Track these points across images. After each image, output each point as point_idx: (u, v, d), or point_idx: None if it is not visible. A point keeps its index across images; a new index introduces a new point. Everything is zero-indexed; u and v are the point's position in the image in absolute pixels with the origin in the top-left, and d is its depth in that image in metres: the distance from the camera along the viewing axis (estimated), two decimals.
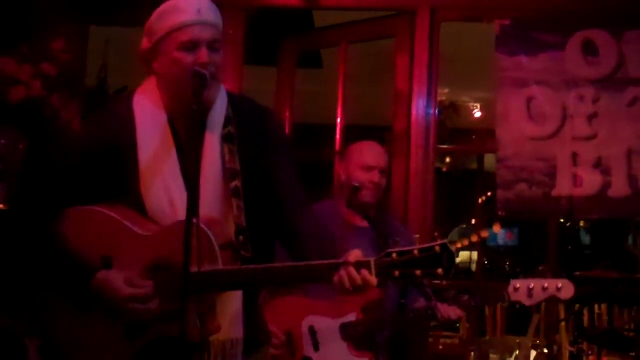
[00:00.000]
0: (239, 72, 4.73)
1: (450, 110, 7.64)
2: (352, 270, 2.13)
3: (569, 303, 5.88)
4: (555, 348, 5.25)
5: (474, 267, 8.73)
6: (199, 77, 2.21)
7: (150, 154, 2.29)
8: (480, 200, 8.23)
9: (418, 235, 2.64)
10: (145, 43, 2.32)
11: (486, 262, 8.84)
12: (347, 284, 2.14)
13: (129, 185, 2.27)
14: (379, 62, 5.21)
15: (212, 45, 2.26)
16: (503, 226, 9.09)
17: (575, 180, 4.44)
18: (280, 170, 2.42)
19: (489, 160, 7.80)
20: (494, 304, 3.61)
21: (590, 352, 5.18)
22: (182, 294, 2.02)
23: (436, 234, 2.41)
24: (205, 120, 2.27)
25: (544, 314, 5.70)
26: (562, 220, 6.83)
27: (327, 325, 3.41)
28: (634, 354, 4.40)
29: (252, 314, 2.36)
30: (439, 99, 5.25)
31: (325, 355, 3.40)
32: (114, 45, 5.33)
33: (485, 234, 7.71)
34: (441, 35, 4.72)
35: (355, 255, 2.16)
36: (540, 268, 6.28)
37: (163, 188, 2.27)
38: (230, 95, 2.43)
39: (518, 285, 3.35)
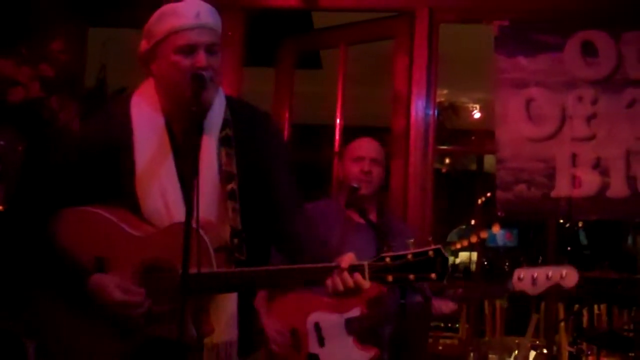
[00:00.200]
0: (238, 73, 4.74)
1: (450, 111, 7.64)
2: (346, 274, 2.14)
3: (569, 303, 5.89)
4: (555, 348, 5.25)
5: (473, 267, 8.74)
6: (198, 79, 2.21)
7: (146, 156, 2.30)
8: (479, 201, 8.25)
9: (412, 240, 2.66)
10: (143, 45, 2.33)
11: (485, 263, 8.85)
12: (340, 287, 2.15)
13: (125, 187, 2.28)
14: (377, 63, 5.22)
15: (210, 49, 2.26)
16: (502, 227, 9.11)
17: (574, 181, 4.44)
18: (277, 174, 2.44)
19: (488, 161, 7.83)
20: (496, 296, 3.60)
21: (589, 353, 5.19)
22: (180, 296, 2.03)
23: (430, 239, 2.43)
24: (203, 123, 2.27)
25: (543, 314, 5.70)
26: (561, 221, 6.84)
27: (332, 321, 3.42)
28: (633, 354, 4.40)
29: (247, 317, 2.37)
30: (438, 99, 5.25)
31: (331, 351, 3.41)
32: (112, 47, 5.32)
33: (484, 234, 7.73)
34: (440, 36, 4.72)
35: (348, 258, 2.17)
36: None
37: (159, 190, 2.28)
38: (228, 99, 2.44)
39: (522, 275, 3.35)
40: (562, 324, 5.53)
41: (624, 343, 4.67)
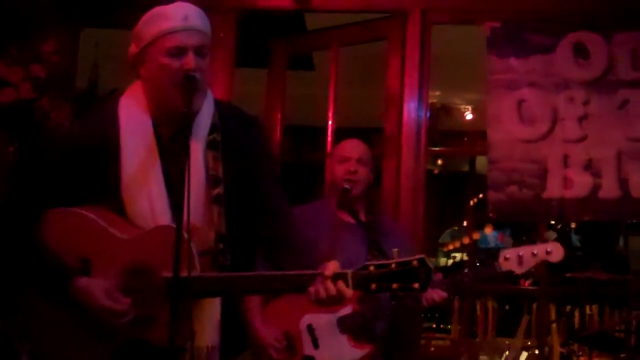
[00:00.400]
0: (230, 74, 4.74)
1: (442, 113, 7.65)
2: (329, 282, 2.14)
3: (560, 304, 5.90)
4: (547, 349, 5.26)
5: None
6: (190, 80, 2.21)
7: (133, 158, 2.29)
8: (471, 202, 8.26)
9: (396, 250, 2.70)
10: (132, 48, 2.32)
11: (477, 264, 8.85)
12: (323, 295, 2.15)
13: (111, 189, 2.27)
14: (370, 64, 5.22)
15: (199, 51, 2.26)
16: (494, 228, 9.12)
17: (566, 182, 4.45)
18: (263, 180, 2.44)
19: (481, 162, 7.83)
20: (485, 278, 3.61)
21: (580, 353, 5.20)
22: (163, 299, 2.04)
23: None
24: (191, 126, 2.26)
25: (534, 315, 5.71)
26: (553, 222, 6.85)
27: (325, 321, 3.42)
28: (624, 355, 4.41)
29: (231, 321, 2.36)
30: (430, 101, 5.25)
31: (325, 352, 3.41)
32: (104, 48, 5.31)
33: (476, 235, 7.74)
34: (432, 37, 4.73)
35: (332, 266, 2.17)
36: (533, 269, 6.28)
37: (144, 193, 2.27)
38: (217, 102, 2.43)
39: (507, 255, 3.37)
40: (554, 324, 5.54)
41: (615, 344, 4.68)
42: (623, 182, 4.41)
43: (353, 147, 3.74)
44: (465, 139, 7.72)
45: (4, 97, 4.58)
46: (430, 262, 2.13)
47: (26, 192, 2.35)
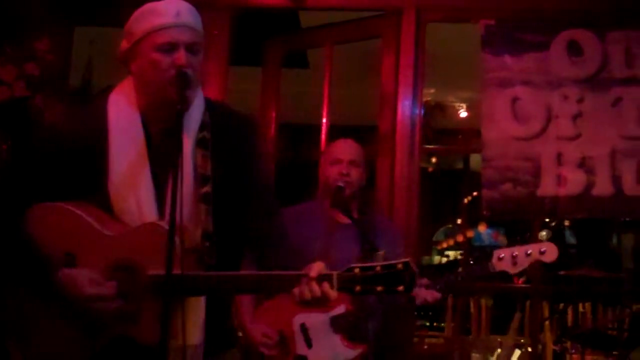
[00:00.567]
0: (224, 73, 4.73)
1: (436, 111, 7.65)
2: (314, 283, 2.14)
3: (554, 302, 5.91)
4: (540, 347, 5.28)
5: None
6: (182, 76, 2.21)
7: (121, 155, 2.29)
8: (465, 200, 8.26)
9: (382, 252, 2.71)
10: (124, 44, 2.33)
11: (472, 262, 8.86)
12: (307, 296, 2.15)
13: (98, 184, 2.27)
14: (364, 62, 5.22)
15: (190, 48, 2.26)
16: (489, 226, 9.14)
17: (560, 179, 4.46)
18: (252, 179, 2.44)
19: (475, 160, 7.84)
20: (478, 278, 3.62)
21: (573, 351, 5.21)
22: (159, 297, 2.04)
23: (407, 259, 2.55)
24: (182, 123, 2.24)
25: (528, 312, 5.73)
26: (547, 220, 6.87)
27: (318, 321, 3.42)
28: (616, 352, 4.42)
29: (216, 319, 2.35)
30: (424, 99, 5.26)
31: (318, 351, 3.40)
32: (99, 46, 5.31)
33: (470, 233, 7.74)
34: (427, 35, 4.73)
35: (318, 267, 2.17)
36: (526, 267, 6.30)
37: (132, 190, 2.27)
38: (207, 101, 2.43)
39: (502, 255, 3.38)
40: (547, 322, 5.56)
41: (607, 341, 4.69)
42: (616, 180, 4.42)
43: (345, 149, 3.72)
44: (460, 137, 7.72)
45: None
46: (414, 264, 2.14)
47: (14, 187, 2.34)
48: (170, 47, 2.24)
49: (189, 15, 2.29)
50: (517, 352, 3.66)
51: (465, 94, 7.48)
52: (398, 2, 4.74)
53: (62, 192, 2.28)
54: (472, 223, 8.30)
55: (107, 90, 2.42)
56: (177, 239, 2.11)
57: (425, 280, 3.47)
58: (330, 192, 3.63)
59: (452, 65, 5.86)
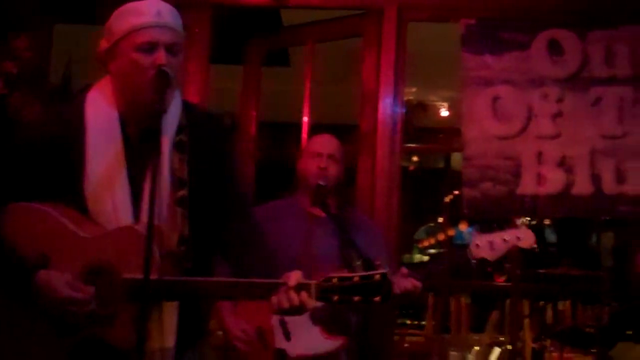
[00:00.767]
0: (205, 71, 4.72)
1: (418, 109, 7.66)
2: (292, 292, 2.15)
3: (533, 300, 5.94)
4: (519, 345, 5.30)
5: None
6: (162, 76, 2.20)
7: (98, 156, 2.28)
8: (447, 199, 8.28)
9: (359, 262, 2.73)
10: (103, 43, 2.31)
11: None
12: (286, 305, 2.17)
13: (74, 186, 2.26)
14: (346, 61, 5.23)
15: (170, 48, 2.26)
16: (470, 224, 9.15)
17: (539, 178, 4.48)
18: (228, 184, 2.44)
19: (456, 159, 7.86)
20: (459, 265, 3.63)
21: (552, 349, 5.23)
22: (136, 302, 2.03)
23: (378, 262, 2.56)
24: (160, 124, 2.23)
25: (508, 309, 5.75)
26: (528, 219, 6.89)
27: None
28: (595, 350, 4.45)
29: (189, 320, 2.34)
30: (406, 98, 5.27)
31: (297, 344, 3.39)
32: (79, 44, 5.27)
33: (451, 232, 7.76)
34: (408, 34, 4.74)
35: (296, 276, 2.18)
36: (507, 265, 6.34)
37: (108, 191, 2.26)
38: (185, 104, 2.43)
39: (478, 242, 3.39)
40: (527, 320, 5.58)
41: (586, 339, 4.72)
42: (596, 179, 4.44)
43: (324, 143, 3.74)
44: (441, 135, 7.75)
45: None
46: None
47: None
48: (150, 47, 2.24)
49: (169, 16, 2.29)
50: (497, 350, 3.67)
51: (447, 93, 7.50)
52: (379, 1, 4.74)
53: (38, 192, 2.27)
54: (453, 222, 8.31)
55: (85, 89, 2.40)
56: (153, 244, 2.09)
57: (404, 270, 3.48)
58: (310, 188, 3.63)
59: (433, 65, 5.87)
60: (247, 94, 5.18)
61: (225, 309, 3.43)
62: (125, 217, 2.24)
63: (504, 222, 3.77)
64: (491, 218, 4.26)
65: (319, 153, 3.68)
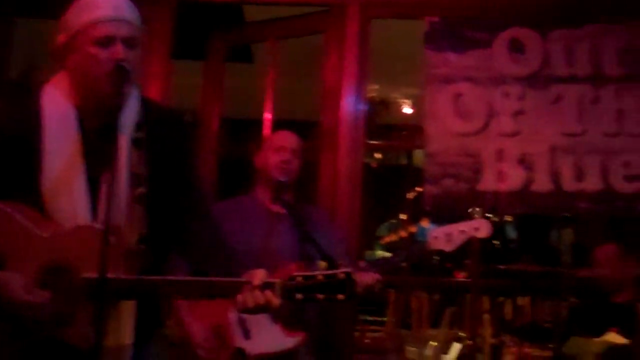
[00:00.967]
0: (167, 67, 4.69)
1: (381, 107, 7.68)
2: (257, 291, 2.15)
3: (493, 296, 5.99)
4: (479, 340, 5.33)
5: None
6: (119, 70, 2.18)
7: (55, 152, 2.24)
8: (409, 196, 8.31)
9: (325, 263, 2.74)
10: (60, 38, 2.28)
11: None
12: (251, 304, 2.16)
13: (30, 183, 2.22)
14: (309, 57, 5.22)
15: (128, 42, 2.23)
16: (432, 221, 9.20)
17: (500, 175, 4.52)
18: (187, 182, 2.42)
19: (419, 156, 7.88)
20: (417, 257, 3.67)
21: (511, 344, 5.28)
22: (93, 301, 2.01)
23: (340, 260, 2.58)
24: (117, 119, 2.20)
25: (467, 306, 5.79)
26: (489, 215, 6.93)
27: None
28: (552, 344, 4.50)
29: (147, 312, 2.32)
30: (369, 95, 5.28)
31: (257, 342, 3.37)
32: (40, 38, 5.21)
33: (413, 228, 7.79)
34: (372, 32, 4.75)
35: (260, 274, 2.17)
36: (467, 261, 6.38)
37: (66, 189, 2.22)
38: (143, 100, 2.40)
39: (435, 234, 3.42)
40: (486, 315, 5.63)
41: (544, 334, 4.78)
42: (555, 176, 4.49)
43: (287, 138, 3.75)
44: (404, 132, 7.77)
45: None
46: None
47: None
48: (107, 41, 2.21)
49: (127, 10, 2.27)
50: (457, 346, 3.70)
51: (410, 91, 7.52)
52: None
53: None
54: (415, 218, 8.35)
55: (41, 84, 2.37)
56: (112, 241, 2.07)
57: (363, 264, 3.49)
58: (272, 183, 3.63)
59: (397, 62, 5.89)
60: (209, 90, 5.15)
61: (183, 309, 3.40)
62: (83, 214, 2.20)
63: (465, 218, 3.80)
64: (452, 214, 4.29)
65: (282, 147, 3.68)
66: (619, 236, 5.39)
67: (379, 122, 7.48)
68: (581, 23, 4.61)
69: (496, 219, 7.63)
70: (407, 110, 7.87)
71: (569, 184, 4.48)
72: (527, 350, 4.75)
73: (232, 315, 3.37)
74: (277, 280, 2.16)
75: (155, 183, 2.29)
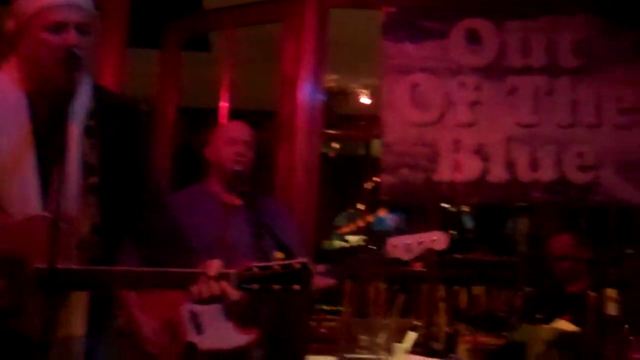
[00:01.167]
0: (122, 55, 4.62)
1: (339, 96, 7.68)
2: (212, 282, 2.13)
3: (449, 284, 6.04)
4: (434, 329, 5.37)
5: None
6: (71, 56, 2.14)
7: (4, 140, 2.19)
8: (367, 185, 8.34)
9: (283, 255, 2.73)
10: (11, 24, 2.23)
11: (373, 247, 8.91)
12: (206, 294, 2.14)
13: None
14: (267, 46, 5.19)
15: (81, 28, 2.19)
16: (390, 211, 9.23)
17: (456, 165, 4.55)
18: (141, 170, 2.38)
19: (377, 146, 7.90)
20: (373, 265, 3.69)
21: (466, 333, 5.32)
22: (46, 292, 1.98)
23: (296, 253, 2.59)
24: (68, 106, 2.16)
25: (425, 294, 5.82)
26: (447, 205, 6.97)
27: (208, 306, 3.36)
28: (505, 333, 4.55)
29: (99, 303, 2.29)
30: (327, 85, 5.27)
31: (209, 337, 3.34)
32: None
33: (371, 218, 7.82)
34: (330, 21, 4.74)
35: (216, 265, 2.15)
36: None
37: (15, 177, 2.18)
38: (96, 88, 2.36)
39: (395, 243, 3.44)
40: (442, 304, 5.67)
41: (499, 323, 4.83)
42: (511, 166, 4.54)
43: (239, 129, 3.70)
44: (362, 122, 7.78)
45: None
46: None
47: None
48: (59, 27, 2.17)
49: None
50: (413, 335, 3.73)
51: (368, 81, 7.52)
52: None
53: None
54: (373, 208, 8.38)
55: None
56: (64, 231, 2.04)
57: (320, 268, 3.48)
58: (226, 175, 3.59)
59: (355, 52, 5.88)
60: (166, 79, 5.11)
61: (133, 303, 3.36)
62: (33, 204, 2.16)
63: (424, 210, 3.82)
64: (409, 204, 4.31)
65: (234, 139, 3.63)
66: (573, 226, 5.45)
67: (337, 112, 7.48)
68: (537, 15, 4.65)
69: (453, 209, 7.70)
70: (365, 100, 7.88)
71: (524, 174, 4.53)
72: (481, 339, 4.80)
73: (185, 310, 3.35)
74: (232, 271, 2.14)
75: (108, 172, 2.25)
